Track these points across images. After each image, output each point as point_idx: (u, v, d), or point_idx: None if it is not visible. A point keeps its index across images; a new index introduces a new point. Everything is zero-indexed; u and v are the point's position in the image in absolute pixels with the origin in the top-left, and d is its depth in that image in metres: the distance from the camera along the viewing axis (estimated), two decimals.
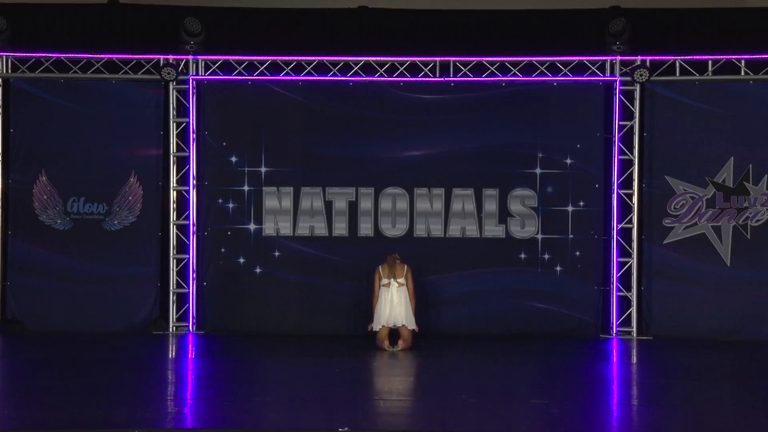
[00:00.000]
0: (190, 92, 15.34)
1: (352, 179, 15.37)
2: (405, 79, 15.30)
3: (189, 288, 15.31)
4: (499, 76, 15.25)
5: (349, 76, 15.35)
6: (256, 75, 15.36)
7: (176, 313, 15.32)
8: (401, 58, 15.26)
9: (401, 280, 13.94)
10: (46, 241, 15.29)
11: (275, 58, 15.32)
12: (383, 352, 13.69)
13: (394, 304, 13.87)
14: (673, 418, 9.95)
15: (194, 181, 15.36)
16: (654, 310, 15.19)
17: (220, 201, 15.38)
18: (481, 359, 13.58)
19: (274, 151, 15.39)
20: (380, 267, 14.08)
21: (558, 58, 15.19)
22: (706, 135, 15.13)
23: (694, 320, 15.05)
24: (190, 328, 15.29)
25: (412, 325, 13.90)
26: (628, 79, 15.07)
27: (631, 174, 15.16)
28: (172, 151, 15.33)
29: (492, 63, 15.23)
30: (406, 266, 14.07)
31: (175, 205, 15.37)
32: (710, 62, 15.09)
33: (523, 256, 15.28)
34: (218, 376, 12.29)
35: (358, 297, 15.05)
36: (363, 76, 15.32)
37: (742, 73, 15.04)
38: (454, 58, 15.24)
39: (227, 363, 13.21)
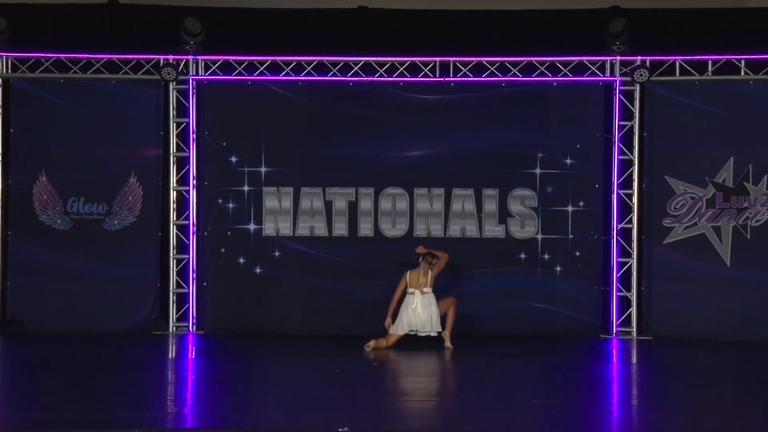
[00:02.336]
0: (190, 92, 15.34)
1: (352, 179, 15.36)
2: (405, 79, 15.30)
3: (189, 288, 15.31)
4: (499, 76, 15.25)
5: (349, 76, 15.35)
6: (256, 75, 15.36)
7: (176, 313, 15.32)
8: (401, 58, 15.25)
9: (427, 290, 13.93)
10: (46, 241, 15.28)
11: (275, 58, 15.32)
12: (381, 352, 13.70)
13: (417, 312, 13.85)
14: (673, 418, 9.95)
15: (194, 181, 15.36)
16: (654, 310, 15.19)
17: (220, 201, 15.38)
18: (482, 359, 13.57)
19: (274, 151, 15.38)
20: (410, 272, 13.97)
21: (558, 58, 15.19)
22: (706, 135, 15.12)
23: (694, 320, 15.04)
24: (190, 328, 15.29)
25: (437, 327, 13.88)
26: (628, 79, 15.06)
27: (631, 174, 15.16)
28: (172, 151, 15.33)
29: (492, 63, 15.23)
30: (430, 272, 14.00)
31: (175, 205, 15.37)
32: (710, 62, 15.08)
33: (523, 256, 15.27)
34: (218, 376, 12.29)
35: (358, 297, 15.06)
36: (363, 76, 15.32)
37: (742, 73, 15.04)
38: (454, 58, 15.24)
39: (227, 363, 13.21)
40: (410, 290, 13.91)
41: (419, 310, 13.83)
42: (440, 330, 13.91)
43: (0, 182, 15.32)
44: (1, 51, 15.24)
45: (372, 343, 13.81)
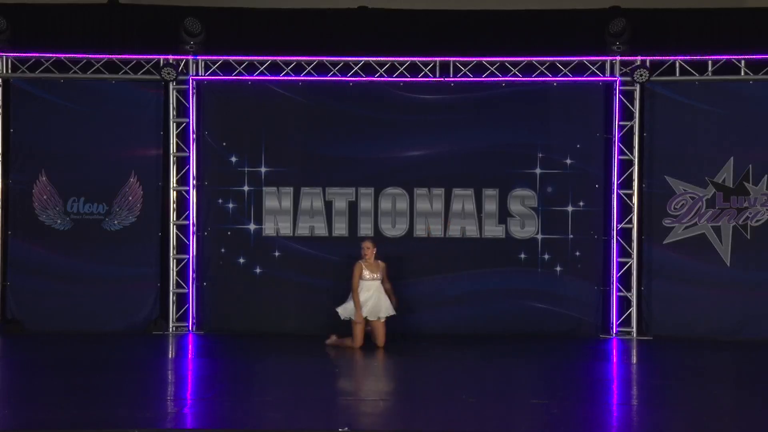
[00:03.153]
0: (190, 92, 15.34)
1: (352, 179, 15.36)
2: (405, 79, 15.30)
3: (189, 288, 15.31)
4: (499, 76, 15.25)
5: (349, 76, 15.35)
6: (256, 75, 15.36)
7: (176, 313, 15.32)
8: (401, 58, 15.25)
9: (378, 275, 14.03)
10: (46, 241, 15.28)
11: (275, 58, 15.32)
12: (380, 350, 13.71)
13: (379, 297, 13.95)
14: (673, 418, 9.96)
15: (194, 181, 15.36)
16: (654, 310, 15.19)
17: (220, 201, 15.38)
18: (482, 359, 13.58)
19: (274, 151, 15.39)
20: (363, 263, 14.02)
21: (558, 58, 15.19)
22: (706, 135, 15.13)
23: (694, 320, 15.05)
24: (190, 328, 15.29)
25: (392, 311, 13.99)
26: (628, 79, 15.06)
27: (631, 174, 15.16)
28: (172, 151, 15.33)
29: (492, 63, 15.23)
30: (381, 263, 14.11)
31: (175, 205, 15.37)
32: (710, 62, 15.09)
33: (523, 256, 15.27)
34: (218, 376, 12.30)
35: None
36: (363, 76, 15.32)
37: (742, 73, 15.04)
38: (454, 58, 15.24)
39: (227, 363, 13.21)
40: (367, 276, 13.98)
41: (378, 294, 13.99)
42: (393, 313, 14.05)
43: (0, 182, 15.32)
44: (1, 51, 15.24)
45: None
